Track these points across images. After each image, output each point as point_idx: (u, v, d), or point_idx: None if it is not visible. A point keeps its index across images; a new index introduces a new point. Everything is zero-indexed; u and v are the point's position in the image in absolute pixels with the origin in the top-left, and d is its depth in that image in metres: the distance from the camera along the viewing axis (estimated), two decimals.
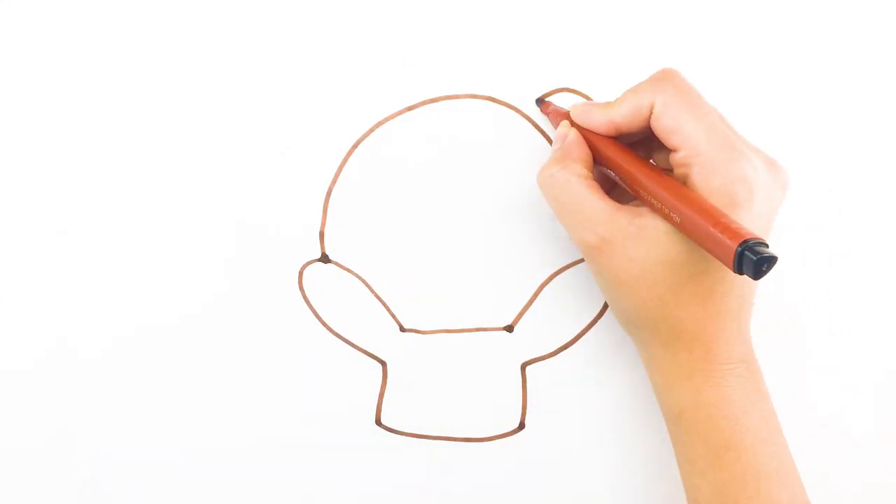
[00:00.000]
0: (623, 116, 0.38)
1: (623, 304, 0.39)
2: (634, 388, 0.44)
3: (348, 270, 0.44)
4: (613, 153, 0.39)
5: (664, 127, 0.37)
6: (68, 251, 0.43)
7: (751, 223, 0.36)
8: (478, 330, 0.44)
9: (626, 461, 0.44)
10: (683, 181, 0.37)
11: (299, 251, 0.44)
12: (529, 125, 0.44)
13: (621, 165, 0.38)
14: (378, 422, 0.44)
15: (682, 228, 0.35)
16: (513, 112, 0.44)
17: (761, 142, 0.44)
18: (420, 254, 0.43)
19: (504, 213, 0.44)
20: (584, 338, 0.44)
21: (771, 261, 0.31)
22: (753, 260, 0.31)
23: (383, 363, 0.44)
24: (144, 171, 0.44)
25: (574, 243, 0.38)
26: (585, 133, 0.40)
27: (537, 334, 0.44)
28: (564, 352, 0.44)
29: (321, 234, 0.44)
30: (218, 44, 0.44)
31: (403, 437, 0.44)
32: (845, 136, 0.45)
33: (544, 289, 0.44)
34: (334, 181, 0.44)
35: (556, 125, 0.42)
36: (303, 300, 0.44)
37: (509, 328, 0.44)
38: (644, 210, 0.37)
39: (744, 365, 0.38)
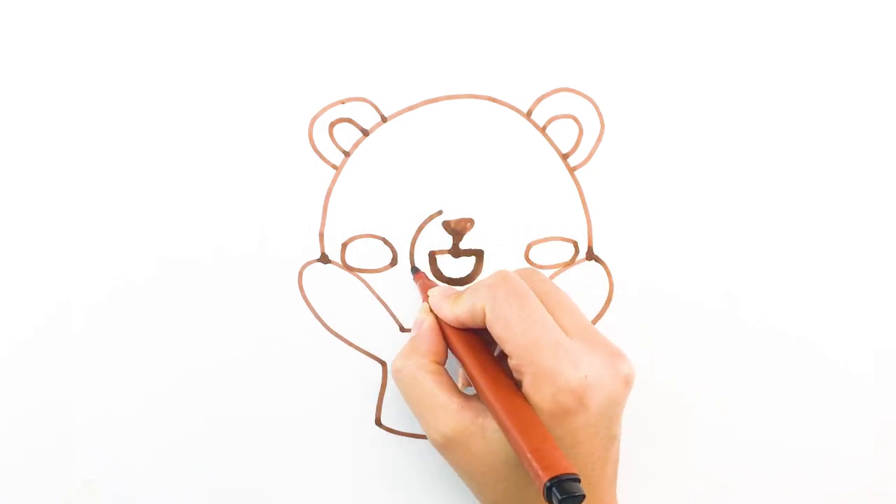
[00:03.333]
0: (464, 314, 0.38)
1: (475, 494, 0.39)
2: (633, 388, 0.44)
3: (348, 270, 0.44)
4: (460, 348, 0.38)
5: (495, 334, 0.37)
6: (68, 251, 0.43)
7: (585, 427, 0.35)
8: None
9: (624, 461, 0.44)
10: (519, 386, 0.36)
11: (299, 251, 0.44)
12: (529, 125, 0.44)
13: (465, 364, 0.38)
14: (378, 422, 0.44)
15: (509, 441, 0.35)
16: (513, 112, 0.44)
17: (761, 142, 0.44)
18: (420, 253, 0.43)
19: (504, 213, 0.44)
20: None
21: (577, 499, 0.31)
22: (559, 498, 0.31)
23: (383, 363, 0.44)
24: (144, 172, 0.44)
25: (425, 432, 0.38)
26: (441, 321, 0.40)
27: None
28: None
29: (321, 235, 0.44)
30: (219, 44, 0.44)
31: (403, 437, 0.44)
32: (845, 136, 0.45)
33: None
34: (334, 181, 0.44)
35: (423, 299, 0.41)
36: (303, 300, 0.44)
37: None
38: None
39: None
